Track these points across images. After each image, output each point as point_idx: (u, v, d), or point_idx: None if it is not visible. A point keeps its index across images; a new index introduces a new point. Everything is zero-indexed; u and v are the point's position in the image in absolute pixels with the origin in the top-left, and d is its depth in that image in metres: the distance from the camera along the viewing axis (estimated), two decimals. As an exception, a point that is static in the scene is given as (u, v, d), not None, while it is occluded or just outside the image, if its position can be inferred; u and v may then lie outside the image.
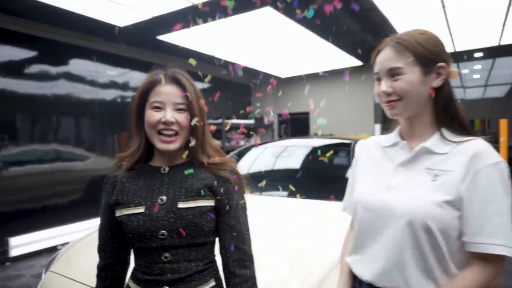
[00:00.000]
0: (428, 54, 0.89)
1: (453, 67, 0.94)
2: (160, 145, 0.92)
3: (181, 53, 5.28)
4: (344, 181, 2.48)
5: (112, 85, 5.34)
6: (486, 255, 0.81)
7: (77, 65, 4.88)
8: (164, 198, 0.91)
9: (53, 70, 4.59)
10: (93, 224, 4.77)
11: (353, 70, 7.38)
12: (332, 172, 2.75)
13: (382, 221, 0.92)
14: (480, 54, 6.60)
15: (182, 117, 0.93)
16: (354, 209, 1.06)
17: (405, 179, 0.92)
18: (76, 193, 4.87)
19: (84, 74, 4.95)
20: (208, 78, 1.10)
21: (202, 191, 0.92)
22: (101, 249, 1.01)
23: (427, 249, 0.84)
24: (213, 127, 1.05)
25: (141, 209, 0.90)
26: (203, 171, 0.97)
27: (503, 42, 5.65)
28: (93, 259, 1.78)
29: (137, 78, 5.71)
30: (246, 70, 7.05)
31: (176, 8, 3.79)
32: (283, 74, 7.63)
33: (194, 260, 0.92)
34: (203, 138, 0.97)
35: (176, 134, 0.93)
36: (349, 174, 1.20)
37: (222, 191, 0.94)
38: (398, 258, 0.87)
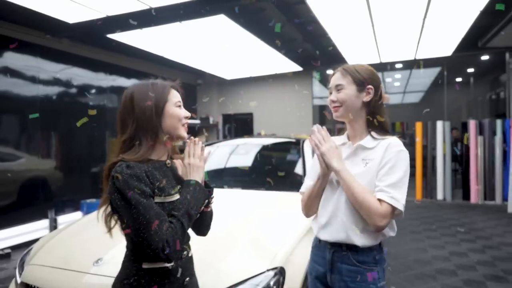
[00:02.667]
0: (361, 78, 1.32)
1: (385, 92, 1.41)
2: (185, 133, 1.17)
3: (131, 52, 5.27)
4: (295, 174, 2.87)
5: (54, 81, 5.12)
6: (381, 201, 1.23)
7: (15, 59, 4.60)
8: (179, 186, 1.15)
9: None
10: (30, 228, 4.55)
11: (294, 75, 7.96)
12: (285, 167, 3.10)
13: (333, 196, 1.35)
14: (400, 65, 7.61)
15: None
16: None
17: (349, 167, 1.32)
18: (14, 196, 4.60)
19: (23, 70, 4.69)
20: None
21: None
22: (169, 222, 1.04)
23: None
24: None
25: (177, 196, 1.10)
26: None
27: (418, 56, 6.63)
28: (74, 248, 1.89)
29: (81, 75, 5.53)
30: (192, 70, 7.18)
31: (133, 10, 3.85)
32: (228, 76, 7.91)
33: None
34: None
35: None
36: (312, 165, 1.52)
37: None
38: (343, 220, 1.31)
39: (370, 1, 3.87)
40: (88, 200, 5.16)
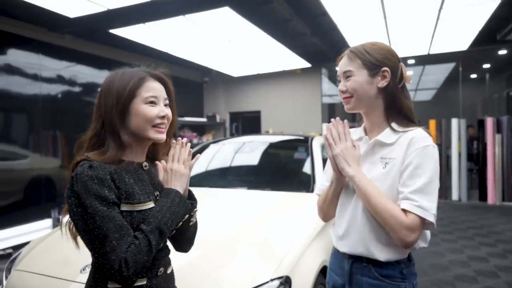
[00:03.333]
0: (373, 60, 1.09)
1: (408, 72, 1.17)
2: (156, 135, 0.97)
3: (135, 49, 5.15)
4: (303, 174, 2.70)
5: (58, 79, 5.03)
6: (406, 212, 1.01)
7: (17, 57, 4.52)
8: (157, 193, 0.99)
9: (-10, 60, 4.21)
10: (33, 228, 4.47)
11: (303, 71, 7.76)
12: (293, 166, 2.93)
13: (351, 204, 1.14)
14: (412, 61, 7.35)
15: (169, 112, 1.01)
16: None
17: (367, 168, 1.12)
18: (17, 195, 4.52)
19: (25, 67, 4.60)
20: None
21: None
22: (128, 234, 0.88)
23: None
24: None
25: (151, 204, 0.94)
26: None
27: (432, 52, 6.38)
28: (61, 254, 1.76)
29: (85, 72, 5.44)
30: (199, 67, 7.05)
31: (134, 3, 3.71)
32: (235, 73, 7.76)
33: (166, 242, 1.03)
34: (172, 133, 1.07)
35: (165, 127, 1.00)
36: (327, 163, 1.31)
37: None
38: (361, 231, 1.11)
39: (382, -9, 3.67)
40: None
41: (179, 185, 0.96)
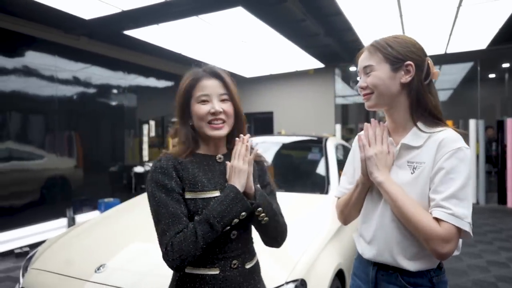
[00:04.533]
0: (395, 54, 1.01)
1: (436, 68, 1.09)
2: (211, 132, 1.00)
3: (148, 50, 5.19)
4: (317, 175, 2.65)
5: (73, 81, 5.11)
6: (440, 220, 0.93)
7: (34, 58, 4.61)
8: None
9: (8, 62, 4.30)
10: (48, 227, 4.53)
11: (316, 71, 7.70)
12: (307, 166, 2.89)
13: (377, 210, 1.08)
14: (428, 61, 7.20)
15: (227, 106, 1.02)
16: None
17: (395, 173, 1.04)
18: (33, 194, 4.61)
19: (42, 68, 4.69)
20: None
21: (255, 178, 1.04)
22: (181, 230, 0.94)
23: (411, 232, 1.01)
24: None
25: (216, 193, 0.98)
26: None
27: (449, 51, 6.23)
28: (77, 253, 1.77)
29: (99, 74, 5.51)
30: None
31: (148, 4, 3.74)
32: (248, 74, 7.75)
33: (247, 238, 1.05)
34: (244, 126, 1.08)
35: (223, 122, 1.01)
36: (347, 163, 1.27)
37: (261, 173, 1.10)
38: (388, 239, 1.05)
39: (399, -11, 3.60)
40: (106, 199, 5.12)
41: (237, 181, 0.97)
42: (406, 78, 1.02)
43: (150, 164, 6.04)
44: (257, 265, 1.08)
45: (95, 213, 5.07)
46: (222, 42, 5.26)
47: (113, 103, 5.80)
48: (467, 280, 3.13)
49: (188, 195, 0.97)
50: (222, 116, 1.01)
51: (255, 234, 1.08)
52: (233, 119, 1.04)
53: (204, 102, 1.01)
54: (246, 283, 1.01)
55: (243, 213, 0.95)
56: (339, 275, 1.80)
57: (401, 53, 1.02)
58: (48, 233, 4.50)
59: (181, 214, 0.94)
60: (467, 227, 0.92)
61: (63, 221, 4.79)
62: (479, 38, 5.55)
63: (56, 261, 1.72)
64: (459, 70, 8.28)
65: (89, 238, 1.93)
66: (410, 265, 1.01)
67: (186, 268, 0.96)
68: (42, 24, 4.59)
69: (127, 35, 4.75)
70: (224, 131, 1.01)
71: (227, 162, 1.02)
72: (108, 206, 4.95)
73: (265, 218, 0.99)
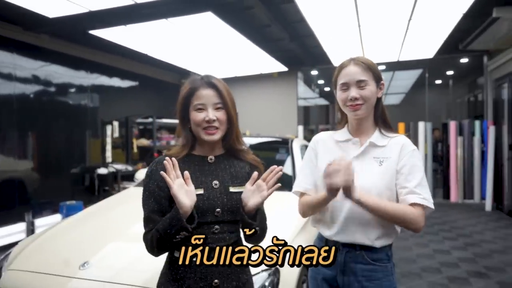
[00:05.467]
0: (377, 73, 1.29)
1: None
2: (206, 137, 1.13)
3: (113, 50, 5.11)
4: (284, 174, 2.84)
5: (32, 79, 4.91)
6: (418, 206, 1.20)
7: (-10, 55, 4.39)
8: (217, 182, 1.13)
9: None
10: (6, 232, 4.34)
11: (279, 75, 7.96)
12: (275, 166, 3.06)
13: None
14: (383, 67, 7.73)
15: (220, 114, 1.14)
16: (317, 190, 1.35)
17: (360, 166, 1.25)
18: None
19: (-1, 66, 4.48)
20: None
21: (245, 179, 1.16)
22: (150, 229, 1.10)
23: None
24: None
25: (200, 191, 1.10)
26: (237, 160, 1.21)
27: (401, 59, 6.76)
28: (58, 252, 1.80)
29: (60, 72, 5.34)
30: (176, 69, 7.07)
31: (117, 5, 3.73)
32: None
33: (234, 232, 1.16)
34: (237, 130, 1.21)
35: (217, 128, 1.14)
36: (306, 161, 1.44)
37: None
38: (359, 222, 1.26)
39: (358, 2, 3.90)
40: (68, 202, 4.97)
41: (188, 201, 1.07)
42: (380, 94, 1.30)
43: (114, 166, 5.98)
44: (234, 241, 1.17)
45: (57, 217, 4.91)
46: (190, 44, 5.32)
47: (75, 103, 5.63)
48: (416, 267, 3.49)
49: None
50: (216, 124, 1.13)
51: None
52: (226, 125, 1.16)
53: (200, 110, 1.13)
54: (231, 268, 1.11)
55: (183, 233, 1.02)
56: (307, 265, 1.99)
57: (379, 74, 1.29)
58: (6, 238, 4.31)
59: (156, 216, 1.08)
60: (432, 205, 1.22)
61: (21, 225, 4.59)
62: (427, 48, 6.09)
63: (37, 261, 1.75)
64: (410, 76, 8.97)
65: (68, 237, 1.97)
66: (377, 243, 1.25)
67: (175, 253, 1.10)
68: (0, 21, 4.38)
69: (92, 34, 4.67)
70: (217, 136, 1.14)
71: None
72: (70, 209, 4.82)
73: (258, 234, 1.13)
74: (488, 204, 6.06)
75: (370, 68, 1.27)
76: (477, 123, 6.55)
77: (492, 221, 5.31)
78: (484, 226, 5.05)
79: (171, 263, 1.12)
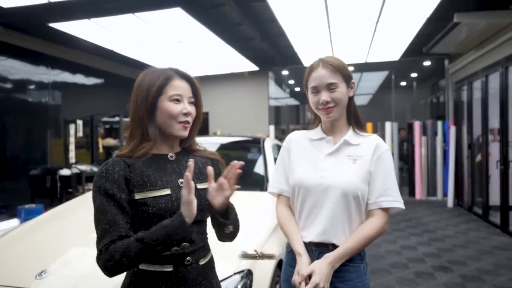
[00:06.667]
0: (347, 73, 1.27)
1: None
2: (179, 132, 1.04)
3: (76, 44, 4.85)
4: (256, 174, 2.81)
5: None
6: (385, 209, 1.23)
7: None
8: (183, 181, 0.98)
9: None
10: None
11: (250, 74, 7.93)
12: (246, 166, 3.02)
13: (322, 196, 1.25)
14: (352, 68, 7.92)
15: (193, 110, 1.07)
16: (293, 191, 1.33)
17: (333, 164, 1.26)
18: None
19: None
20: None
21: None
22: (118, 237, 0.93)
23: (353, 211, 1.24)
24: None
25: (167, 191, 1.00)
26: (197, 157, 1.13)
27: (369, 60, 6.94)
28: (12, 260, 1.65)
29: (17, 67, 5.00)
30: (143, 65, 6.86)
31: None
32: (183, 74, 7.65)
33: (203, 233, 1.09)
34: (197, 128, 1.13)
35: (189, 123, 1.06)
36: (280, 161, 1.42)
37: (218, 171, 1.12)
38: (334, 220, 1.24)
39: (328, 3, 3.94)
40: (27, 206, 4.67)
41: (187, 213, 0.96)
42: (351, 93, 1.29)
43: (78, 167, 5.69)
44: (211, 261, 1.12)
45: (14, 221, 4.60)
46: (159, 41, 5.16)
47: (35, 100, 5.30)
48: (385, 263, 3.57)
49: (137, 196, 0.97)
50: (189, 118, 1.05)
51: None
52: (192, 122, 1.09)
53: (177, 101, 1.03)
54: (200, 278, 1.04)
55: (184, 244, 0.96)
56: (280, 265, 1.96)
57: (348, 73, 1.27)
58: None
59: (120, 222, 0.92)
60: (403, 205, 1.25)
61: (-27, 231, 4.26)
62: (393, 51, 6.29)
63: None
64: (377, 78, 9.25)
65: (24, 244, 1.82)
66: None
67: (141, 265, 0.97)
68: None
69: (53, 27, 4.40)
70: (187, 132, 1.07)
71: (191, 162, 0.97)
72: (30, 213, 4.52)
73: (231, 231, 1.06)
74: (450, 200, 6.35)
75: (339, 69, 1.25)
76: (439, 123, 6.85)
77: (453, 217, 5.57)
78: (446, 222, 5.28)
79: (135, 274, 1.00)
